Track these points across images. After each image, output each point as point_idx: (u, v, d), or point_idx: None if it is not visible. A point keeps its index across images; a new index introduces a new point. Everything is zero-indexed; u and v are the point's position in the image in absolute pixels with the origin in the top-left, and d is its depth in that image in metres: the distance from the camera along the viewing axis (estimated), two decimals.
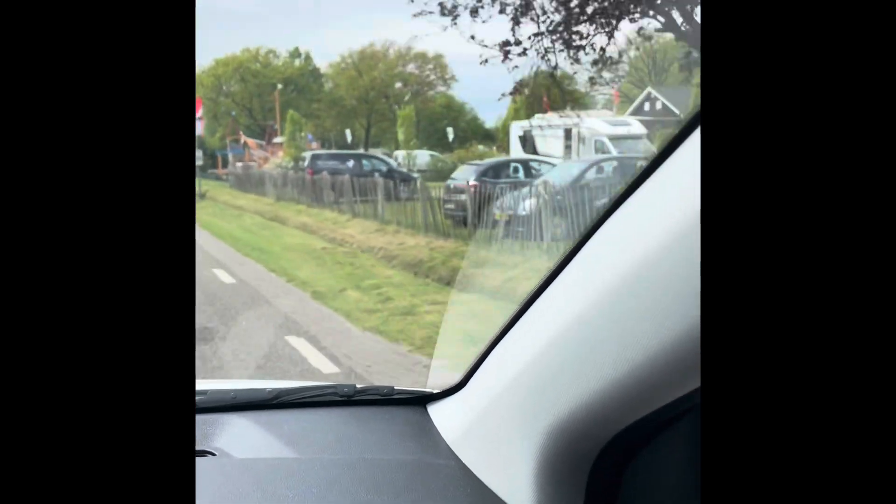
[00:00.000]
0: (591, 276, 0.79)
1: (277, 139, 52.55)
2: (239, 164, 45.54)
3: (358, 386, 1.40)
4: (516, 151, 26.75)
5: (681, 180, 0.67)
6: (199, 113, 65.31)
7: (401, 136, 46.14)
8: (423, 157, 38.13)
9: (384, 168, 24.47)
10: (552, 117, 17.32)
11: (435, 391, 1.35)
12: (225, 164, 56.28)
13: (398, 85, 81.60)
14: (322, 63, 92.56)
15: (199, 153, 59.05)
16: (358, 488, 1.05)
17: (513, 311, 1.01)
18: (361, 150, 38.81)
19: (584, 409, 0.82)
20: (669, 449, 0.90)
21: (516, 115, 27.97)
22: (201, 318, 7.45)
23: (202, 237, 15.45)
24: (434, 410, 1.33)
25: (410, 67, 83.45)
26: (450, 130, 47.31)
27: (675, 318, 0.66)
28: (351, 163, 25.15)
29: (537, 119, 17.68)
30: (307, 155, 28.54)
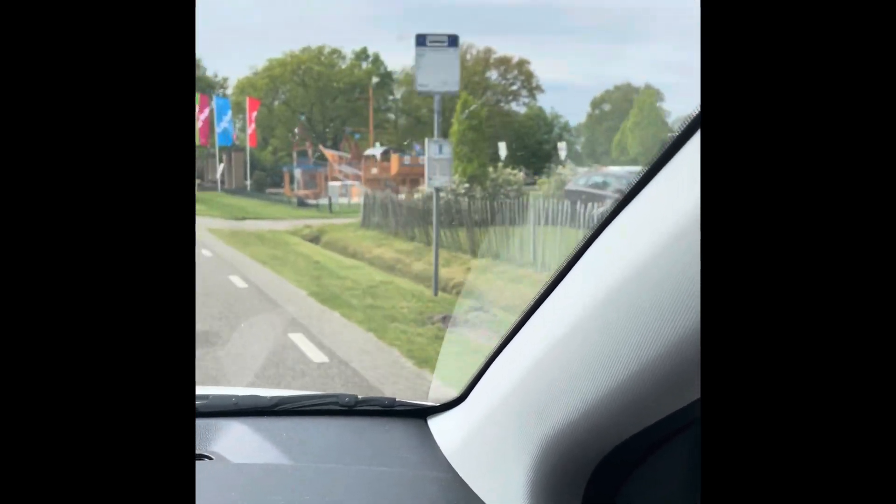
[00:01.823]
0: (587, 287, 0.79)
1: (371, 151, 39.62)
2: (335, 184, 32.79)
3: (359, 396, 1.38)
4: None
5: (670, 196, 0.68)
6: (251, 118, 52.95)
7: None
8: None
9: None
10: None
11: (435, 404, 1.32)
12: (292, 182, 44.57)
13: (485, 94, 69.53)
14: (394, 65, 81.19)
15: (231, 168, 46.12)
16: (353, 498, 1.06)
17: (512, 324, 1.01)
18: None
19: (580, 422, 0.82)
20: (667, 467, 0.90)
21: None
22: None
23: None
24: (434, 423, 1.30)
25: (493, 75, 71.36)
26: (502, 146, 35.76)
27: (670, 329, 0.66)
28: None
29: None
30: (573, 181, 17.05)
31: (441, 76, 9.65)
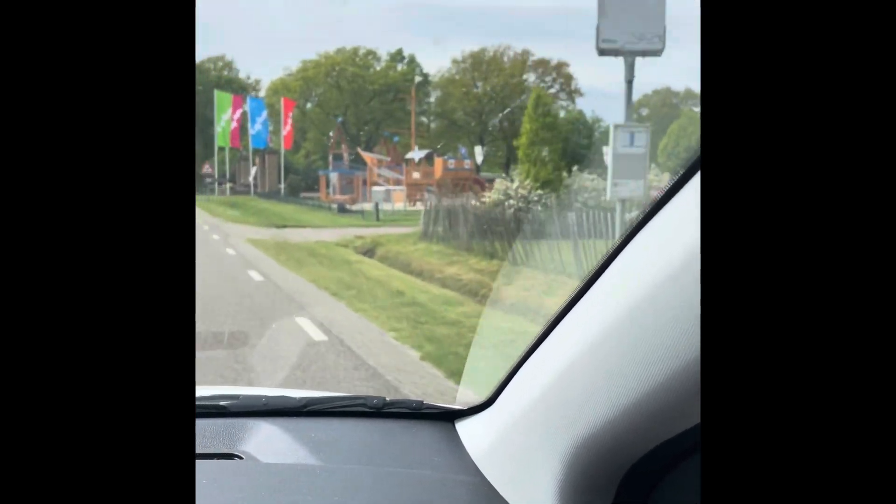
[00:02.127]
0: (617, 294, 0.80)
1: (413, 154, 37.43)
2: (380, 189, 30.66)
3: (387, 398, 1.37)
4: None
5: (694, 210, 0.67)
6: (287, 119, 50.91)
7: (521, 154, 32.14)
8: None
9: None
10: None
11: (463, 408, 1.31)
12: (328, 187, 42.57)
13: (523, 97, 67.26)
14: (430, 68, 79.21)
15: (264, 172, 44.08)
16: (381, 500, 1.07)
17: (541, 329, 1.01)
18: None
19: (610, 429, 0.82)
20: (698, 473, 0.86)
21: None
22: None
23: None
24: (462, 427, 1.30)
25: (531, 77, 69.06)
26: (544, 150, 33.67)
27: (696, 337, 0.66)
28: None
29: None
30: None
31: (636, 26, 6.82)
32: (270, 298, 8.33)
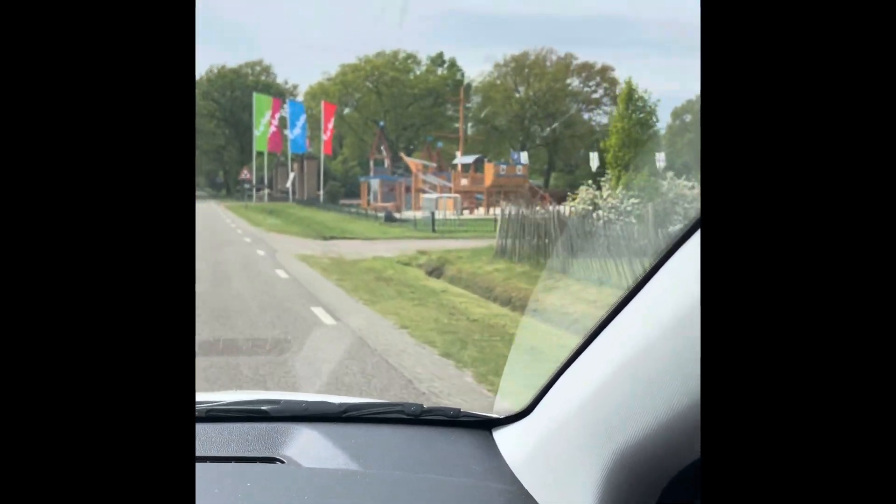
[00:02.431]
0: (659, 307, 0.80)
1: (462, 159, 35.19)
2: (432, 197, 28.46)
3: (425, 406, 1.37)
4: None
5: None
6: (328, 125, 48.90)
7: (594, 162, 29.68)
8: None
9: None
10: None
11: (500, 416, 1.31)
12: (369, 193, 40.56)
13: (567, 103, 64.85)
14: (471, 72, 77.06)
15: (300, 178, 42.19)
16: None
17: (581, 339, 1.01)
18: None
19: (651, 440, 0.82)
20: None
21: None
22: None
23: None
24: (499, 435, 1.29)
25: (574, 82, 66.60)
26: (594, 156, 31.14)
27: None
28: None
29: None
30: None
31: None
32: (360, 364, 5.30)
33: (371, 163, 41.57)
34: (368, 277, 9.99)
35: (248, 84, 71.13)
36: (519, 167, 32.02)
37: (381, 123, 46.42)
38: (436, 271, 13.15)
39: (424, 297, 8.48)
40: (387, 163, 41.63)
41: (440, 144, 42.08)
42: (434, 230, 20.31)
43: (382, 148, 41.82)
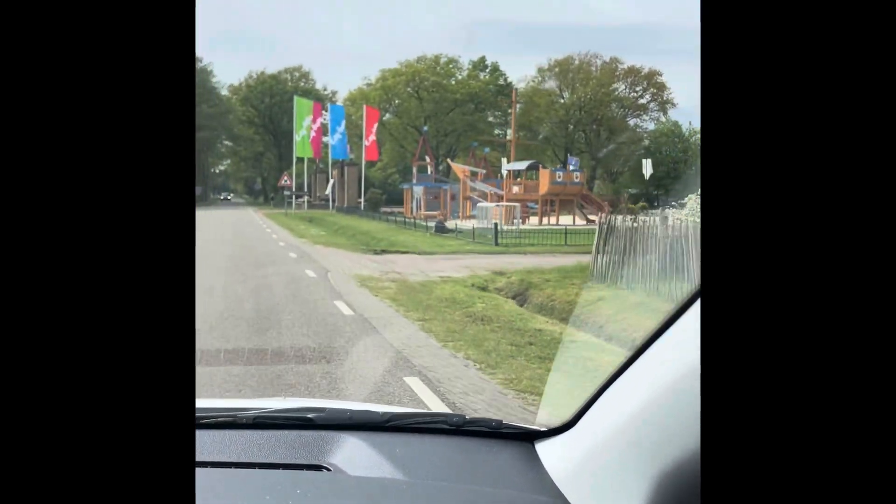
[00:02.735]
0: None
1: (512, 165, 32.80)
2: (487, 205, 26.10)
3: (467, 417, 1.37)
4: None
5: None
6: (370, 130, 46.80)
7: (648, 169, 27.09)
8: None
9: None
10: None
11: (543, 428, 1.30)
12: (412, 201, 38.43)
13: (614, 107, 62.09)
14: (514, 76, 74.61)
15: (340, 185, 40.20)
16: None
17: (628, 354, 1.00)
18: None
19: (695, 463, 0.81)
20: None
21: None
22: None
23: None
24: (542, 448, 1.27)
25: (620, 87, 63.85)
26: (647, 163, 28.49)
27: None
28: None
29: None
30: None
31: None
32: None
33: (414, 169, 39.37)
34: (455, 314, 7.65)
35: (288, 90, 69.62)
36: (577, 174, 29.51)
37: (425, 128, 44.22)
38: (519, 297, 10.85)
39: (548, 347, 6.00)
40: (430, 169, 39.45)
41: (487, 150, 39.77)
42: (497, 243, 17.96)
43: (426, 154, 39.63)
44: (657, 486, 0.87)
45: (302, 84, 69.59)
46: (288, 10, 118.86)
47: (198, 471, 1.10)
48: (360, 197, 42.74)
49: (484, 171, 33.62)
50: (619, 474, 0.96)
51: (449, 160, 36.85)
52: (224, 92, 69.32)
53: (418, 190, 36.75)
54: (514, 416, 3.98)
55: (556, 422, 1.23)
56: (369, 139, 42.05)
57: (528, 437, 1.30)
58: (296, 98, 44.23)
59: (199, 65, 65.36)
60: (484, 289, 10.75)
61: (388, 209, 41.18)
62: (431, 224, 24.34)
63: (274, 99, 69.41)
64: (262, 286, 9.68)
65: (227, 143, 72.68)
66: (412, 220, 28.36)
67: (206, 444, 1.24)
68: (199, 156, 68.20)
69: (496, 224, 19.51)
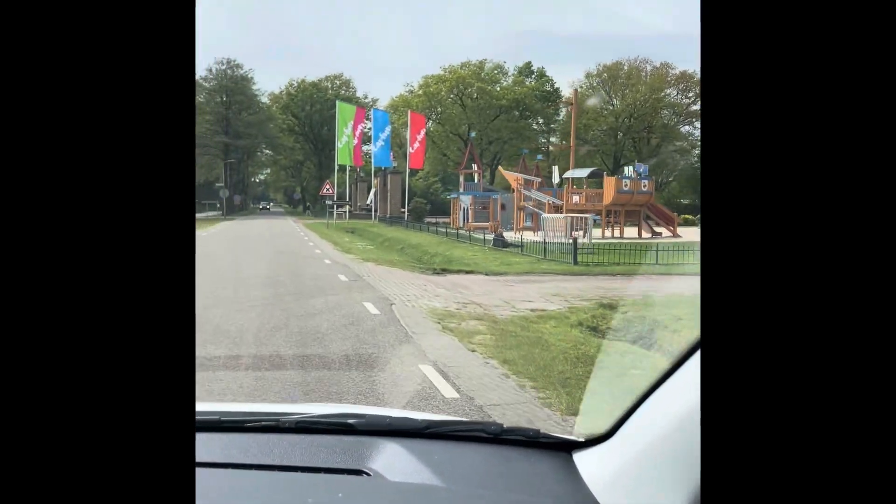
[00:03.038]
0: None
1: (573, 172, 30.02)
2: (556, 217, 23.40)
3: (505, 426, 1.35)
4: None
5: None
6: (415, 137, 44.13)
7: None
8: None
9: None
10: None
11: (581, 439, 1.28)
12: (459, 211, 35.89)
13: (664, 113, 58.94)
14: (561, 81, 71.62)
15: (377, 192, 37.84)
16: None
17: (667, 365, 0.99)
18: None
19: None
20: None
21: None
22: None
23: None
24: (580, 458, 1.26)
25: (671, 93, 60.66)
26: None
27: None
28: None
29: None
30: None
31: None
32: None
33: (460, 178, 36.86)
34: (597, 384, 5.02)
35: (328, 97, 67.77)
36: (645, 182, 26.64)
37: (472, 134, 41.67)
38: (642, 340, 8.21)
39: None
40: (476, 178, 36.86)
41: (539, 157, 37.08)
42: (576, 262, 15.28)
43: (472, 162, 37.09)
44: (695, 499, 0.85)
45: (343, 92, 67.63)
46: (329, 17, 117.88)
47: (243, 472, 1.13)
48: (403, 206, 40.35)
49: (538, 179, 30.94)
50: (657, 487, 0.94)
51: (501, 168, 34.17)
52: (264, 100, 67.78)
53: (466, 199, 34.24)
54: None
55: (595, 432, 1.21)
56: (414, 146, 39.64)
57: (566, 448, 1.28)
58: (338, 102, 41.95)
59: (239, 72, 63.87)
60: (595, 329, 8.12)
61: (432, 219, 38.73)
62: (483, 236, 21.78)
63: (314, 107, 67.68)
64: (309, 333, 6.93)
65: (266, 152, 71.09)
66: (464, 232, 25.85)
67: (252, 446, 1.26)
68: (239, 164, 66.58)
69: (575, 239, 16.78)
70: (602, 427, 1.19)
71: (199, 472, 0.90)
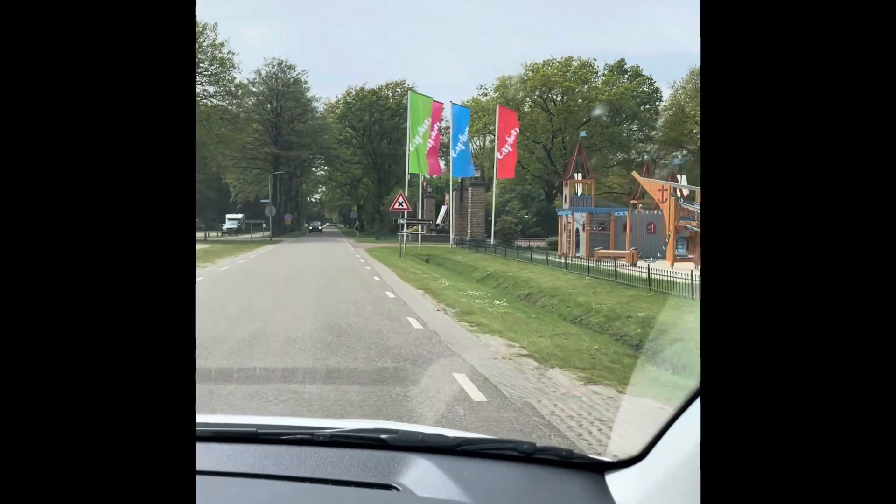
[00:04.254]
0: None
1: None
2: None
3: (537, 445, 1.33)
4: None
5: None
6: (505, 139, 33.60)
7: None
8: None
9: None
10: None
11: (613, 460, 1.26)
12: (567, 234, 26.89)
13: None
14: (661, 80, 62.14)
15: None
16: None
17: (696, 383, 0.96)
18: None
19: None
20: None
21: None
22: None
23: None
24: (612, 479, 1.23)
25: None
26: None
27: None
28: None
29: None
30: None
31: None
32: None
33: (565, 191, 27.74)
34: None
35: (389, 106, 59.68)
36: None
37: (583, 133, 32.44)
38: None
39: None
40: (580, 189, 27.67)
41: (678, 160, 27.69)
42: None
43: (581, 167, 27.88)
44: None
45: (405, 101, 59.54)
46: (391, 16, 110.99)
47: (276, 483, 1.12)
48: (488, 226, 31.42)
49: (691, 189, 21.53)
50: None
51: (636, 174, 25.03)
52: (320, 108, 59.92)
53: (580, 217, 25.10)
54: None
55: (627, 453, 1.19)
56: (503, 150, 30.55)
57: (598, 468, 1.26)
58: (410, 94, 32.88)
59: (292, 74, 55.96)
60: None
61: (524, 243, 29.73)
62: (622, 269, 12.62)
63: (373, 116, 59.51)
64: None
65: (321, 165, 63.13)
66: (580, 261, 16.85)
67: (285, 458, 1.26)
68: (291, 180, 58.71)
69: None
70: (635, 448, 1.16)
71: (233, 482, 0.96)
